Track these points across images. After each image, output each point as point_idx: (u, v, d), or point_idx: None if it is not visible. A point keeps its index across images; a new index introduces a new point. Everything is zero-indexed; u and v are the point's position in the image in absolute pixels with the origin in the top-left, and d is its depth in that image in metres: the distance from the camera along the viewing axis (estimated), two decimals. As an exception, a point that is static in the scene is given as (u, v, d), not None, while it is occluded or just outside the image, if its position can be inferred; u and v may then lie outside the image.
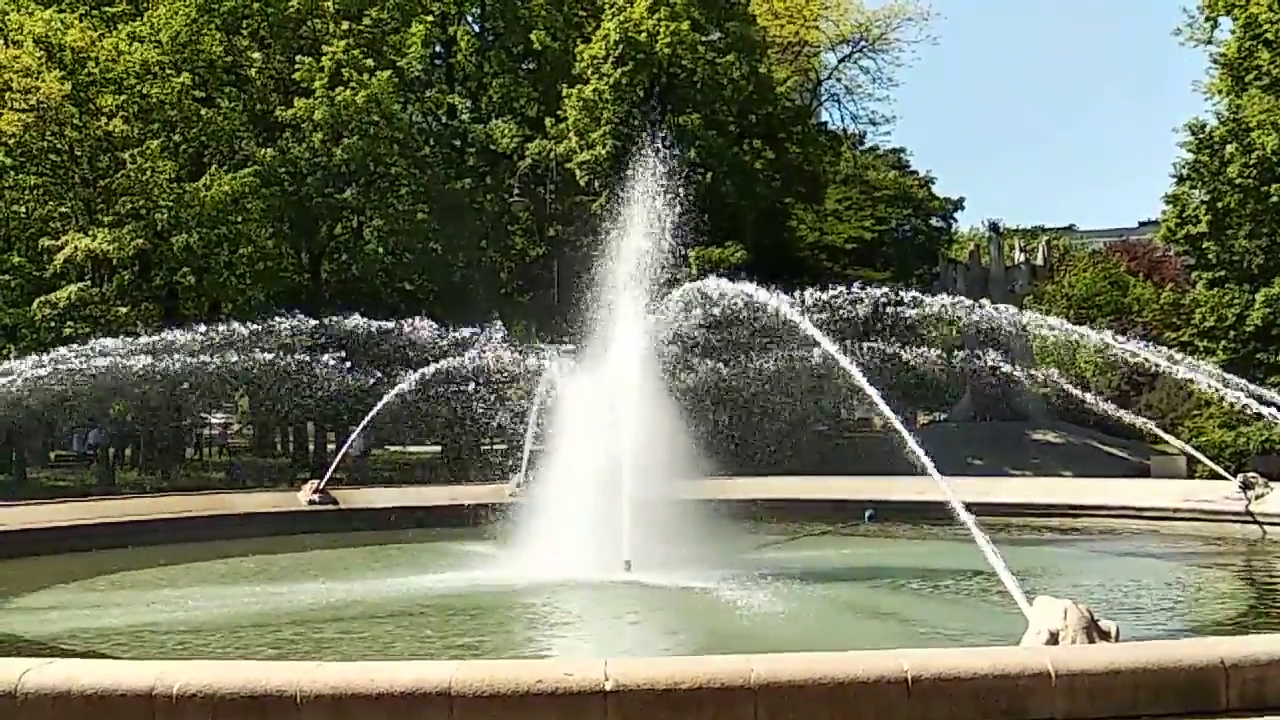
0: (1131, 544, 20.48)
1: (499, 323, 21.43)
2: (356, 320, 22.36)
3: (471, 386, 23.85)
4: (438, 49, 53.37)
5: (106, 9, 41.41)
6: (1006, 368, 24.90)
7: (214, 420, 57.01)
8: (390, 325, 22.55)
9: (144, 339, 21.66)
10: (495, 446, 27.89)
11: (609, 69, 42.64)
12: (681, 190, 20.25)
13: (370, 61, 42.29)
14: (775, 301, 16.58)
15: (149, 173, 36.19)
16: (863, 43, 62.91)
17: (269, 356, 22.33)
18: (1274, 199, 39.01)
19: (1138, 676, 6.77)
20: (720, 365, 23.04)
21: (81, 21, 39.00)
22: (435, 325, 22.93)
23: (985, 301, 21.37)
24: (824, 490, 25.10)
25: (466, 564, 16.91)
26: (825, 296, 18.50)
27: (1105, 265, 65.00)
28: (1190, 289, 46.62)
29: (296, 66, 41.75)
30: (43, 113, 35.86)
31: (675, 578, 15.18)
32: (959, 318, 20.91)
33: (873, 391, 13.88)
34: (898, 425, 13.29)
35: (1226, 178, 40.03)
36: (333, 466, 26.26)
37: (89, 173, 37.41)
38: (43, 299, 35.24)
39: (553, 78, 48.17)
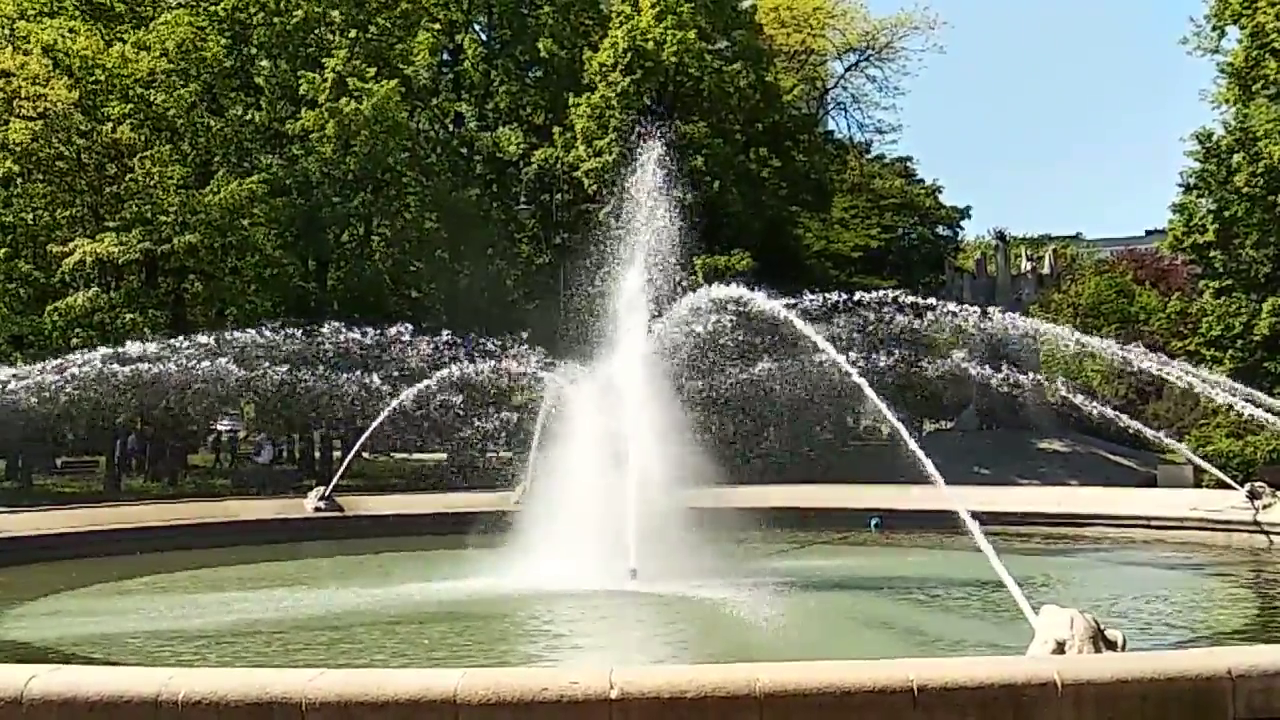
0: (1138, 553, 20.43)
1: (523, 335, 21.37)
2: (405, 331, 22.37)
3: (475, 395, 23.84)
4: (445, 57, 53.50)
5: (114, 25, 41.42)
6: (1014, 376, 24.83)
7: (220, 427, 57.07)
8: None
9: (150, 346, 21.67)
10: (501, 454, 27.89)
11: (616, 77, 42.72)
12: (688, 198, 20.26)
13: (372, 70, 42.41)
14: (785, 311, 16.57)
15: (156, 178, 36.28)
16: (869, 51, 63.08)
17: (279, 368, 22.35)
18: (1281, 208, 38.99)
19: (1144, 687, 6.74)
20: (726, 373, 23.02)
21: (86, 25, 39.16)
22: (455, 334, 22.93)
23: (995, 311, 21.35)
24: (830, 499, 25.07)
25: (472, 572, 16.87)
26: (838, 298, 18.51)
27: (1112, 274, 64.90)
28: (1197, 298, 46.57)
29: (300, 78, 41.85)
30: (51, 121, 35.97)
31: (681, 587, 15.16)
32: (972, 326, 20.84)
33: (879, 400, 13.87)
34: (904, 434, 13.27)
35: (1234, 187, 39.99)
36: (338, 474, 26.28)
37: (96, 179, 37.50)
38: (53, 306, 35.33)
39: (559, 86, 48.26)
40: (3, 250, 36.92)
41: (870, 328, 20.26)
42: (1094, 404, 25.24)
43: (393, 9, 45.49)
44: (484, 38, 54.19)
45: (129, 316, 34.87)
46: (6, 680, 6.60)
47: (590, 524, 16.62)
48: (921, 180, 70.20)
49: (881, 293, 20.45)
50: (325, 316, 29.61)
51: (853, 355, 16.35)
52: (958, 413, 48.85)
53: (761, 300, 17.28)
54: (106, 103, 37.31)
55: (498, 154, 50.46)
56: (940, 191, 69.81)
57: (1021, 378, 24.28)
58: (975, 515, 11.42)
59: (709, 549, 16.43)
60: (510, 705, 6.30)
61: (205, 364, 21.15)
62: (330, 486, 24.49)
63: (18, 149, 36.13)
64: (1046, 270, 53.06)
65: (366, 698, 6.38)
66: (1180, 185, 43.03)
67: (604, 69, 43.29)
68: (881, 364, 20.45)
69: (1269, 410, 20.48)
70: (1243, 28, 39.80)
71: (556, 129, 46.16)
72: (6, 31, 39.42)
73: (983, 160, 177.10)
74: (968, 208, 71.13)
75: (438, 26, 51.42)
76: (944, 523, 14.60)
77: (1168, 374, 21.72)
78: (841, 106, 65.63)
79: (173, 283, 40.24)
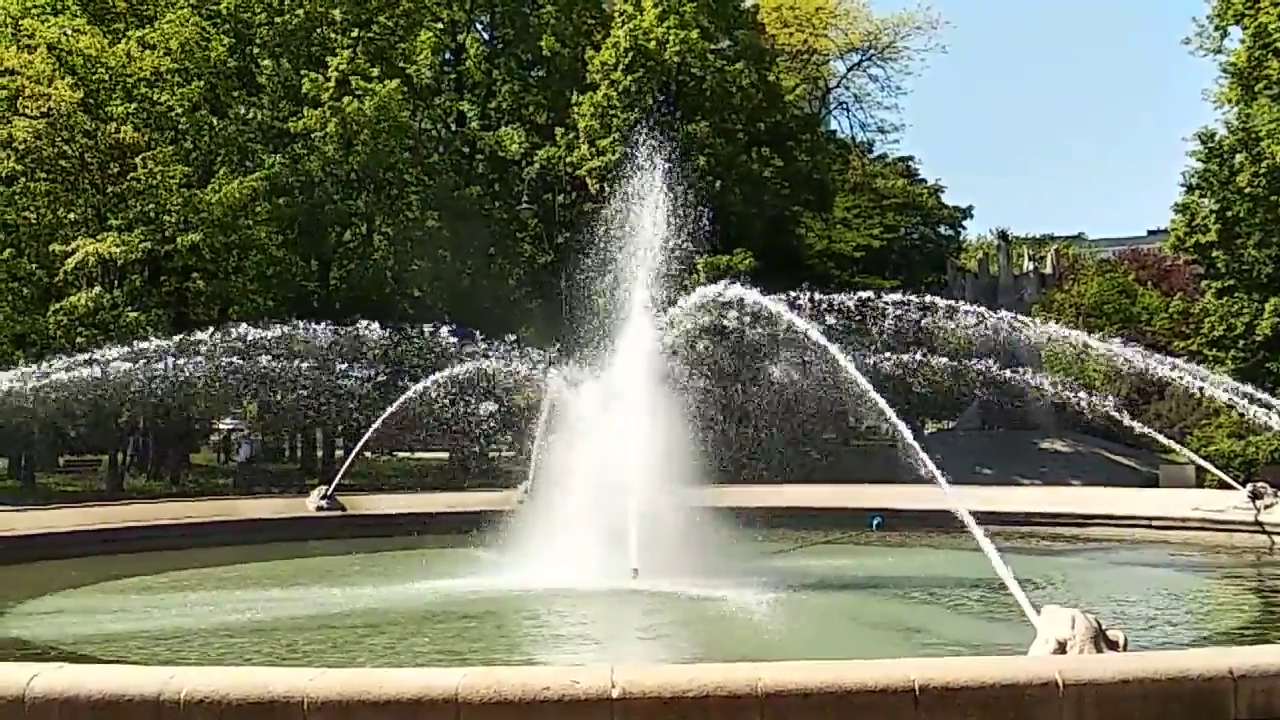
0: (1140, 554, 20.42)
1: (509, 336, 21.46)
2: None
3: (478, 395, 23.85)
4: (447, 56, 53.55)
5: (117, 24, 41.42)
6: (1015, 376, 24.79)
7: (223, 426, 57.19)
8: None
9: (154, 344, 21.70)
10: (503, 453, 27.92)
11: (619, 75, 42.78)
12: (690, 197, 20.24)
13: (374, 70, 42.45)
14: (787, 312, 16.56)
15: (159, 177, 36.32)
16: (872, 51, 63.14)
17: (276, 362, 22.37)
18: (1284, 208, 38.95)
19: (1146, 687, 6.74)
20: (727, 372, 22.99)
21: (91, 25, 39.21)
22: (454, 333, 22.98)
23: (1003, 311, 21.32)
24: (832, 499, 25.07)
25: (473, 571, 16.89)
26: (846, 301, 18.50)
27: (1114, 274, 64.88)
28: (1199, 298, 46.55)
29: (303, 77, 41.89)
30: (54, 119, 36.01)
31: (682, 586, 15.14)
32: (975, 326, 20.80)
33: (880, 400, 13.85)
34: (905, 434, 13.26)
35: (1236, 187, 39.97)
36: (341, 473, 26.28)
37: (99, 178, 37.54)
38: (56, 305, 35.35)
39: (562, 85, 48.32)
40: (6, 249, 36.95)
41: (874, 326, 20.20)
42: (1095, 397, 25.18)
43: (394, 8, 45.56)
44: (486, 37, 54.23)
45: (132, 316, 34.88)
46: (9, 679, 6.61)
47: (592, 523, 16.62)
48: (924, 180, 70.28)
49: (879, 294, 20.40)
50: (328, 315, 29.61)
51: (855, 354, 16.32)
52: (959, 412, 48.85)
53: (757, 296, 17.28)
54: (110, 102, 37.35)
55: (500, 153, 50.48)
56: (942, 191, 69.94)
57: (1021, 376, 24.20)
58: (977, 515, 11.41)
59: (711, 548, 16.43)
60: (512, 704, 6.30)
61: (206, 361, 21.19)
62: (332, 486, 24.51)
63: (21, 147, 36.20)
64: (1049, 270, 53.08)
65: (368, 697, 6.38)
66: (1183, 185, 43.01)
67: (606, 68, 43.33)
68: (885, 363, 20.42)
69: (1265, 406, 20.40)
70: (1245, 28, 39.76)
71: (559, 128, 46.19)
72: (10, 30, 39.44)
73: (985, 160, 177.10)
74: (970, 207, 71.32)
75: (440, 26, 51.48)
76: (946, 522, 14.58)
77: (1166, 375, 21.67)
78: (844, 106, 65.79)
79: (175, 282, 40.29)
